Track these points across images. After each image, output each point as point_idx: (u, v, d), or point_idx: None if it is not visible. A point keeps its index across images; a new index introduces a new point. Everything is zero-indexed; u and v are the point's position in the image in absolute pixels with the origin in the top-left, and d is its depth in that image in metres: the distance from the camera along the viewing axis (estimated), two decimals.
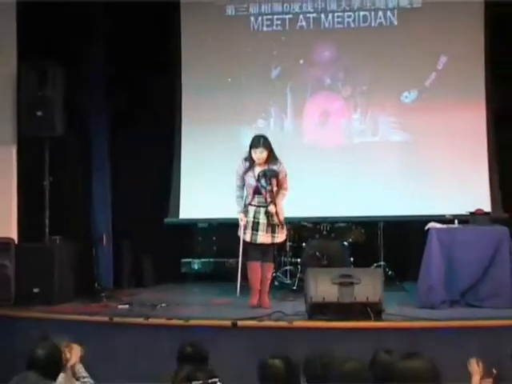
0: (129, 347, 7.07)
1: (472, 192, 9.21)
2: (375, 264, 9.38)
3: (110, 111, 9.79)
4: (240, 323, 6.96)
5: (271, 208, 7.74)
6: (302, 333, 6.84)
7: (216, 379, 4.17)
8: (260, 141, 7.86)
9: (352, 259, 9.23)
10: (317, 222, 9.65)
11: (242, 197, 7.95)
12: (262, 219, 7.80)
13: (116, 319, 7.31)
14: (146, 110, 10.05)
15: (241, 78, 9.92)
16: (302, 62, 9.78)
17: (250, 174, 7.84)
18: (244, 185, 7.92)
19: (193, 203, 9.83)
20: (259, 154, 7.80)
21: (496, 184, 9.29)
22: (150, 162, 9.75)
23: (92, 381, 5.15)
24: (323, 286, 7.01)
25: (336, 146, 9.76)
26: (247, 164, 7.88)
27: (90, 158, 9.63)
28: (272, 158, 7.86)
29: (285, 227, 7.98)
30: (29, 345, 4.77)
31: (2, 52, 8.73)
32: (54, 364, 4.63)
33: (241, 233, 7.89)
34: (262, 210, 7.80)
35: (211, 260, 10.72)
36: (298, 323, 6.97)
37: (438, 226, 7.89)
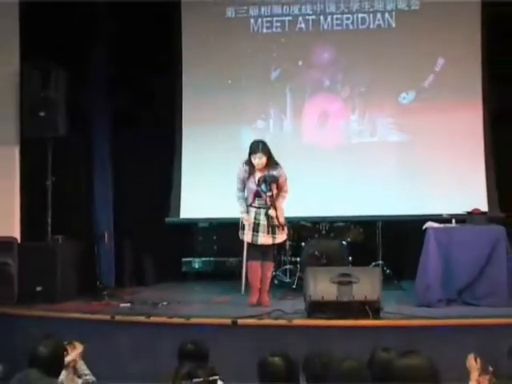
0: (130, 345, 7.10)
1: (469, 192, 9.24)
2: (373, 263, 9.39)
3: (111, 111, 9.80)
4: (240, 321, 7.00)
5: (271, 212, 7.80)
6: (302, 331, 6.87)
7: (216, 377, 4.16)
8: (259, 146, 7.89)
9: (350, 258, 9.20)
10: (316, 222, 9.66)
11: (243, 198, 7.99)
12: (263, 220, 7.85)
13: (118, 317, 7.35)
14: (147, 110, 10.08)
15: (241, 78, 9.93)
16: (301, 63, 9.82)
17: (250, 179, 7.89)
18: (245, 187, 7.97)
19: (193, 203, 9.84)
20: (258, 160, 7.84)
21: (493, 184, 9.31)
22: (151, 162, 9.75)
23: (94, 378, 5.16)
24: (322, 285, 7.05)
25: (335, 147, 9.79)
26: (247, 168, 7.92)
27: (92, 158, 9.65)
28: (271, 162, 7.90)
29: (285, 228, 8.02)
30: (31, 343, 4.74)
31: (5, 52, 8.77)
32: (56, 362, 4.60)
33: (244, 233, 7.92)
34: (263, 211, 7.86)
35: (211, 259, 10.73)
36: (297, 321, 7.00)
37: (436, 225, 7.93)
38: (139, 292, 9.14)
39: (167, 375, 4.24)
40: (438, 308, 7.51)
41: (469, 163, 9.45)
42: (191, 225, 10.76)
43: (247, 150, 8.00)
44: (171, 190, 9.93)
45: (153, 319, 7.26)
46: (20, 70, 8.77)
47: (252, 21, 9.93)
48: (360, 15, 9.72)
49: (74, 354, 5.10)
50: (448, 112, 9.43)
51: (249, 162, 7.92)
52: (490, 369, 4.60)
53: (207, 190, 9.69)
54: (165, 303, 8.09)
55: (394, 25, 9.69)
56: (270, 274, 8.14)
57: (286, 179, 7.95)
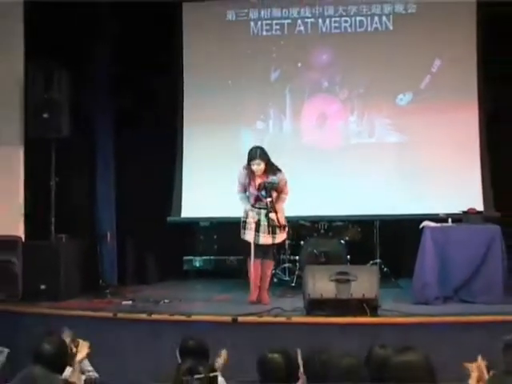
0: (132, 342, 7.17)
1: (465, 191, 9.28)
2: (371, 261, 9.43)
3: (113, 111, 9.79)
4: (240, 319, 7.08)
5: (272, 215, 7.86)
6: (301, 328, 6.93)
7: (217, 373, 4.15)
8: (257, 153, 7.93)
9: (349, 257, 9.24)
10: (315, 221, 9.72)
11: (245, 197, 8.05)
12: (264, 221, 7.91)
13: (120, 315, 7.42)
14: (148, 109, 10.05)
15: (241, 80, 9.95)
16: (300, 65, 9.84)
17: (251, 184, 7.96)
18: (245, 190, 8.04)
19: (194, 202, 9.85)
20: (257, 166, 7.90)
21: (488, 183, 9.33)
22: (152, 162, 9.74)
23: (96, 374, 5.16)
24: (321, 283, 7.12)
25: (333, 147, 9.81)
26: (247, 173, 7.98)
27: (95, 158, 9.66)
28: (270, 168, 7.96)
29: (286, 228, 8.08)
30: (35, 340, 4.79)
31: (10, 53, 8.78)
32: (60, 358, 4.64)
33: (246, 233, 8.00)
34: (263, 211, 7.92)
35: (212, 258, 10.72)
36: (296, 319, 7.08)
37: (432, 224, 7.99)
38: (141, 290, 9.16)
39: (168, 371, 4.22)
40: (434, 305, 7.59)
41: (464, 163, 9.48)
42: (192, 224, 10.75)
43: (247, 151, 8.06)
44: (172, 189, 9.92)
45: (154, 317, 7.32)
46: (24, 71, 8.78)
47: (252, 24, 9.95)
48: (358, 18, 9.75)
49: (83, 353, 5.07)
50: (444, 113, 9.45)
51: (248, 167, 7.98)
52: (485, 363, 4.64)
53: (208, 189, 9.70)
54: (166, 301, 8.14)
55: (391, 27, 9.72)
56: (269, 273, 8.20)
57: (286, 183, 8.01)
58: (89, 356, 5.12)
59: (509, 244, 7.92)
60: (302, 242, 9.53)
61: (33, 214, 8.84)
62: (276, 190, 7.95)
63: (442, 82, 9.55)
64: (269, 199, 7.83)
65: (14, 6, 8.75)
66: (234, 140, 9.85)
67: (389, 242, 9.70)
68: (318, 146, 9.80)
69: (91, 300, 8.32)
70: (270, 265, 8.18)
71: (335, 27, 9.84)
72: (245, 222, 8.04)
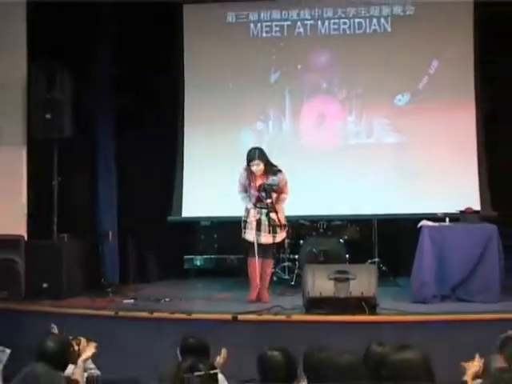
0: (133, 340, 7.22)
1: (462, 191, 9.28)
2: (370, 260, 9.46)
3: (114, 111, 9.80)
4: (240, 317, 7.14)
5: (272, 215, 7.93)
6: (300, 326, 6.99)
7: (217, 370, 4.16)
8: (255, 154, 8.00)
9: (348, 256, 9.27)
10: (314, 220, 9.76)
11: (246, 196, 8.10)
12: (264, 220, 7.98)
13: (121, 313, 7.48)
14: (149, 109, 10.03)
15: (241, 81, 9.96)
16: (299, 66, 9.86)
17: (251, 185, 8.02)
18: (246, 190, 8.10)
19: (195, 202, 9.87)
20: (256, 167, 7.96)
21: (485, 183, 9.35)
22: (153, 162, 9.74)
23: (98, 372, 5.18)
24: (320, 282, 7.17)
25: (332, 147, 9.83)
26: (247, 174, 8.05)
27: (97, 158, 9.68)
28: (270, 168, 8.02)
29: (286, 227, 8.14)
30: (38, 338, 4.81)
31: (13, 53, 8.81)
32: (63, 356, 4.65)
33: (247, 232, 8.05)
34: (264, 211, 7.98)
35: (213, 256, 10.77)
36: (295, 317, 7.14)
37: (430, 223, 8.04)
38: (142, 289, 9.18)
39: (169, 369, 4.19)
40: (432, 304, 7.64)
41: (462, 163, 9.51)
42: (193, 223, 10.80)
43: (247, 151, 8.13)
44: (173, 189, 9.93)
45: (155, 315, 7.39)
46: (27, 71, 8.79)
47: (252, 25, 9.98)
48: (356, 20, 9.78)
49: (89, 352, 5.10)
50: (442, 113, 9.47)
51: (248, 168, 8.05)
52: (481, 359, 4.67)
53: (208, 189, 9.72)
54: (167, 299, 8.20)
55: (389, 29, 9.74)
56: (269, 271, 8.25)
57: (286, 183, 8.07)
58: (94, 356, 5.14)
59: (506, 244, 7.95)
60: (301, 241, 9.55)
61: (35, 214, 8.87)
62: (276, 191, 8.00)
63: (439, 83, 9.58)
64: (269, 200, 7.90)
65: (17, 7, 8.78)
66: (234, 140, 9.87)
67: (387, 241, 9.74)
68: (317, 146, 9.82)
69: (93, 299, 8.34)
70: (269, 263, 8.22)
71: (334, 29, 9.86)
72: (245, 221, 8.09)
